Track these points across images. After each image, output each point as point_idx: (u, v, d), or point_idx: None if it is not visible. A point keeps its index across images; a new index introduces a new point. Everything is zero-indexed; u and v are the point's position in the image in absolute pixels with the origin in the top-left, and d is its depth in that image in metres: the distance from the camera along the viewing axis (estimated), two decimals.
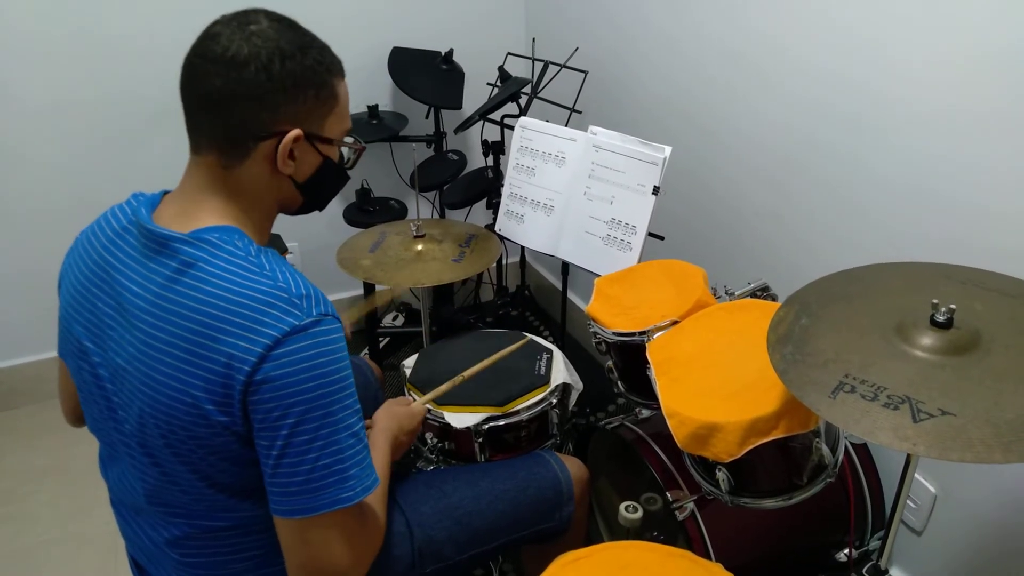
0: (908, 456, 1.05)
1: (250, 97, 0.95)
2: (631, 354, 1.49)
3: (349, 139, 1.09)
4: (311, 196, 1.08)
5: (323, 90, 1.00)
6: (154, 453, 0.98)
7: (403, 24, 2.52)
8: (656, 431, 1.53)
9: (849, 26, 1.52)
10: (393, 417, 1.27)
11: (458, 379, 1.45)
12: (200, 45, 0.96)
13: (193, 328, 0.91)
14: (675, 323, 1.43)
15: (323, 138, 1.03)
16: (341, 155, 1.11)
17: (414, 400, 1.44)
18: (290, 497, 0.93)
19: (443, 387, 1.44)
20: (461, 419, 1.46)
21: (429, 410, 1.48)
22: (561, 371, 1.57)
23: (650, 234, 1.74)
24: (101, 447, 1.12)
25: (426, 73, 2.44)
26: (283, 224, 1.11)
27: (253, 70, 0.94)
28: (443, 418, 1.47)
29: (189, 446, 0.96)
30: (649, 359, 1.35)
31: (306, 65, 0.97)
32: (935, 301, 0.98)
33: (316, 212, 1.14)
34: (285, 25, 0.98)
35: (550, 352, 1.63)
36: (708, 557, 1.38)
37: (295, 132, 0.98)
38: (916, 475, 1.55)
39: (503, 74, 2.29)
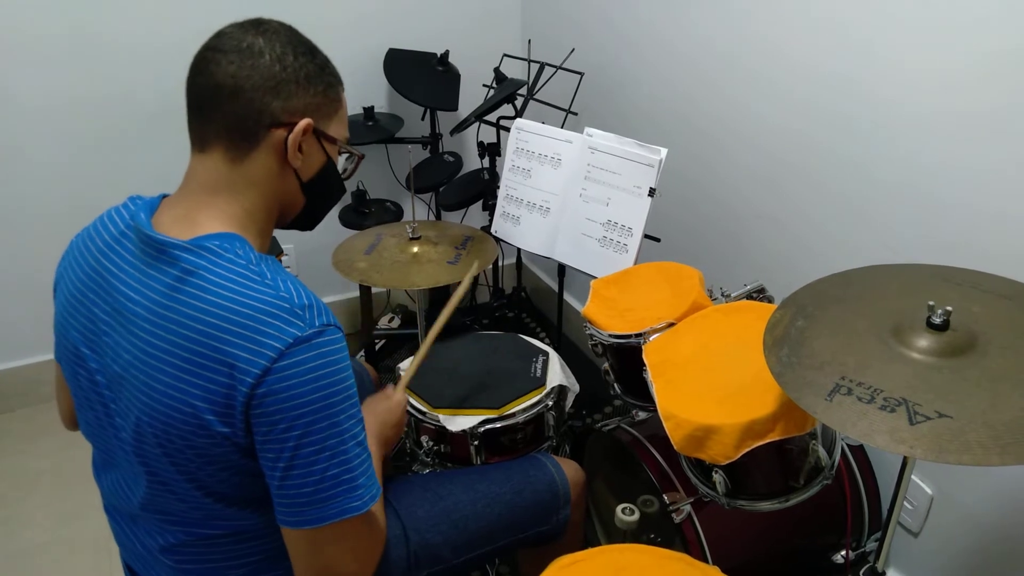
0: (905, 458, 1.05)
1: (264, 84, 0.96)
2: (627, 356, 1.49)
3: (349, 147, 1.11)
4: (312, 199, 1.08)
5: (330, 90, 1.04)
6: (151, 461, 0.98)
7: (399, 26, 2.52)
8: (652, 433, 1.53)
9: (845, 28, 1.52)
10: (374, 416, 1.24)
11: (422, 351, 1.41)
12: (213, 41, 0.99)
13: (194, 337, 0.91)
14: (671, 325, 1.43)
15: (328, 136, 1.05)
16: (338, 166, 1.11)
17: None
18: (299, 508, 0.93)
19: (413, 365, 1.41)
20: (457, 422, 1.45)
21: (420, 410, 1.48)
22: (557, 373, 1.57)
23: (646, 236, 1.74)
24: (95, 452, 1.12)
25: (422, 75, 2.44)
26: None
27: (268, 59, 0.97)
28: (439, 421, 1.46)
29: (187, 455, 0.95)
30: (645, 361, 1.34)
31: (316, 64, 1.02)
32: (931, 303, 0.97)
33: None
34: (295, 31, 1.03)
35: (546, 354, 1.63)
36: (705, 560, 1.38)
37: (306, 122, 1.00)
38: (912, 477, 1.54)
39: (499, 76, 2.29)
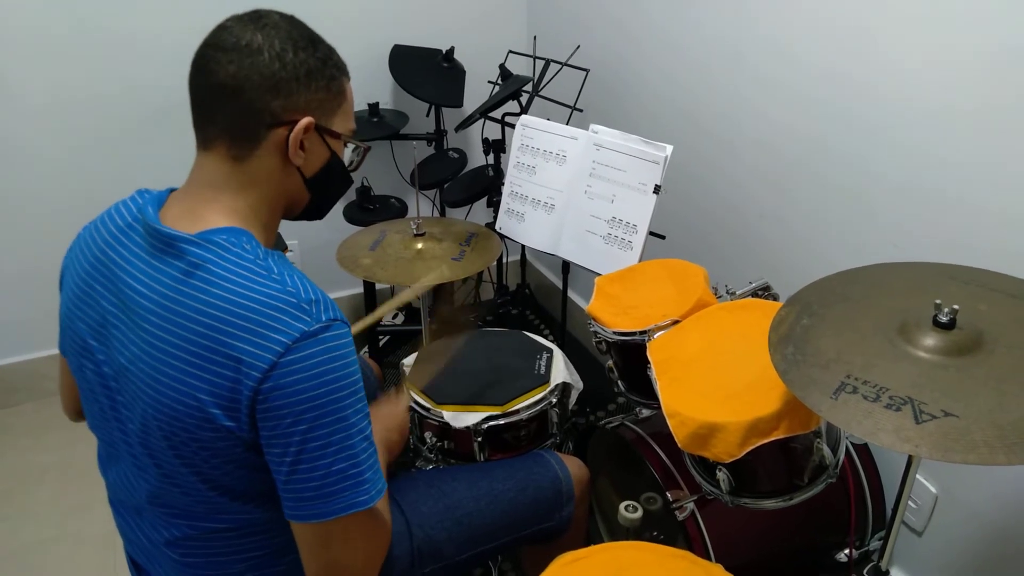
0: (910, 457, 1.05)
1: (263, 84, 0.95)
2: (632, 353, 1.48)
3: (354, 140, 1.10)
4: (317, 194, 1.08)
5: (333, 84, 1.02)
6: (156, 454, 0.98)
7: (404, 22, 2.52)
8: (656, 431, 1.52)
9: (850, 25, 1.51)
10: (379, 420, 1.23)
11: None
12: (213, 37, 0.98)
13: (200, 331, 0.91)
14: (676, 323, 1.42)
15: (332, 132, 1.04)
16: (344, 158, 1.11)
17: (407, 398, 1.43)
18: (305, 502, 0.93)
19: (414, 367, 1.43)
20: (460, 418, 1.45)
21: (424, 407, 1.48)
22: (561, 370, 1.57)
23: (651, 233, 1.73)
24: (100, 446, 1.12)
25: (427, 71, 2.44)
26: (283, 222, 1.11)
27: (267, 57, 0.95)
28: (442, 417, 1.46)
29: (192, 448, 0.95)
30: (650, 358, 1.34)
31: (317, 58, 1.00)
32: (938, 301, 0.97)
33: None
34: (296, 22, 1.01)
35: (550, 351, 1.63)
36: (708, 557, 1.38)
37: (307, 120, 0.99)
38: (917, 475, 1.54)
39: (504, 72, 2.28)
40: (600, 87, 2.29)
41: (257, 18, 0.98)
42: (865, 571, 1.17)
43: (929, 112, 1.40)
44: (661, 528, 1.53)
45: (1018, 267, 1.16)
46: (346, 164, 1.10)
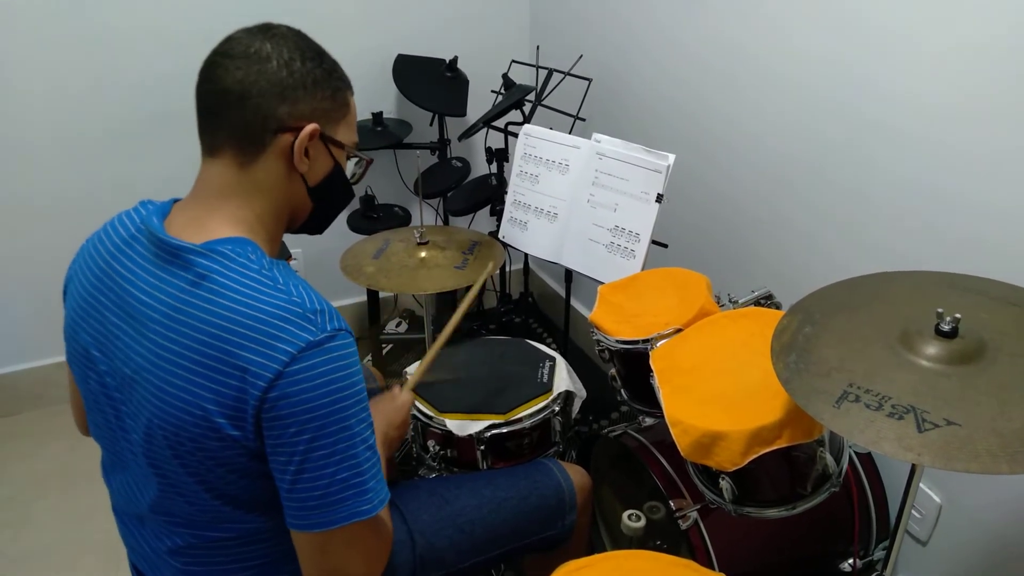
0: (913, 466, 1.04)
1: (271, 89, 0.97)
2: (634, 362, 1.48)
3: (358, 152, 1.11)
4: (319, 204, 1.09)
5: (338, 95, 1.04)
6: (160, 463, 0.98)
7: (407, 31, 2.53)
8: (659, 439, 1.52)
9: (852, 33, 1.52)
10: (380, 415, 1.24)
11: (431, 353, 1.42)
12: (222, 46, 1.00)
13: (206, 341, 0.91)
14: (679, 331, 1.42)
15: (336, 141, 1.05)
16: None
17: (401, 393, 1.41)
18: (308, 512, 0.93)
19: (421, 367, 1.41)
20: (463, 427, 1.45)
21: (427, 415, 1.48)
22: (564, 379, 1.57)
23: (654, 242, 1.73)
24: (104, 454, 1.12)
25: (430, 80, 2.45)
26: None
27: (275, 65, 0.98)
28: (445, 426, 1.46)
29: (197, 458, 0.95)
30: (652, 367, 1.34)
31: (324, 68, 1.02)
32: (940, 310, 0.97)
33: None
34: (304, 35, 1.04)
35: (553, 359, 1.63)
36: (711, 567, 1.38)
37: (312, 126, 1.00)
38: (921, 484, 1.54)
39: (507, 81, 2.29)
40: (603, 96, 2.30)
41: (267, 29, 1.01)
42: None
43: (930, 119, 1.40)
44: (664, 537, 1.53)
45: (1019, 275, 1.16)
46: (348, 176, 1.11)
